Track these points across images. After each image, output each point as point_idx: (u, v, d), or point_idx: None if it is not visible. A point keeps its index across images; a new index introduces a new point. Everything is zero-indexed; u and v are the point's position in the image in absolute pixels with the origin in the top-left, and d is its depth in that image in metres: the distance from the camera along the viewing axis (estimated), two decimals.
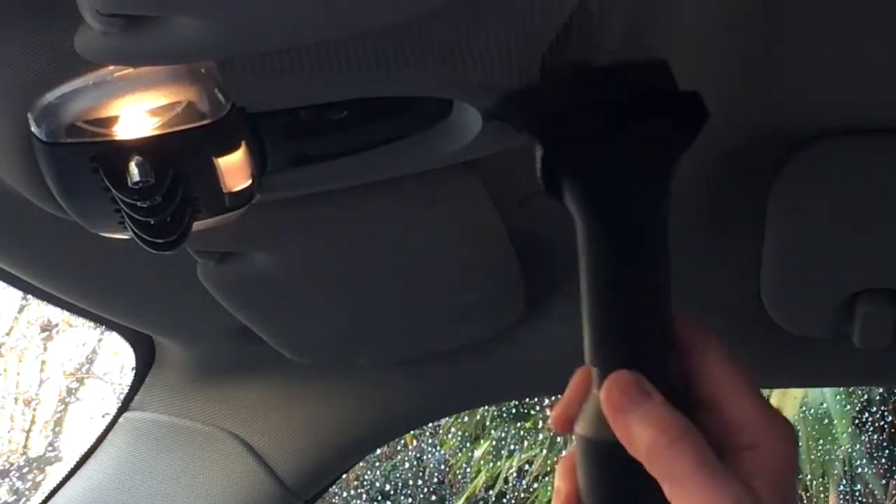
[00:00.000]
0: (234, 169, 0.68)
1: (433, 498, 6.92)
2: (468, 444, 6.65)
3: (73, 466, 1.27)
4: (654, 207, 0.59)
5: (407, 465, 6.95)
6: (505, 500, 6.62)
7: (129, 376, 1.30)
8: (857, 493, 6.29)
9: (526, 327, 1.17)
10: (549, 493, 6.50)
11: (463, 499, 6.38)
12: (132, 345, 1.24)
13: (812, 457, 6.04)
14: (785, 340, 1.13)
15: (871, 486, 6.21)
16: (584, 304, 0.60)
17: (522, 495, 6.62)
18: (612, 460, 0.58)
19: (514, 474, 6.49)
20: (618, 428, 0.57)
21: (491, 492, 6.52)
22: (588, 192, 0.59)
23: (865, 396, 5.93)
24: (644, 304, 0.59)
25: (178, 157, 0.65)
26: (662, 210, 0.59)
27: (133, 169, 0.63)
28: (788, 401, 5.50)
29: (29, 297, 1.17)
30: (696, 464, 0.55)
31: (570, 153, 0.59)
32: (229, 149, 0.67)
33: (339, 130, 0.73)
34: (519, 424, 6.49)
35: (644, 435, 0.56)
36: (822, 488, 6.26)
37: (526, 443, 6.55)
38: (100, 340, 5.95)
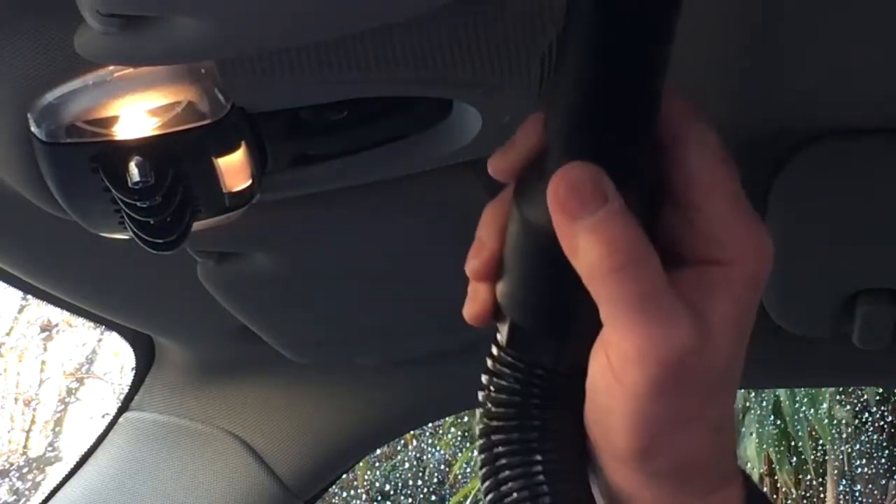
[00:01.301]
0: (234, 169, 0.68)
1: (433, 498, 6.92)
2: (468, 444, 6.65)
3: (73, 466, 1.27)
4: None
5: (407, 465, 6.96)
6: None
7: (129, 376, 1.31)
8: (857, 494, 6.29)
9: None
10: None
11: (459, 494, 6.37)
12: (132, 345, 1.24)
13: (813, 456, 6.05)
14: (785, 340, 1.13)
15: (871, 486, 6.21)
16: (560, 76, 0.49)
17: None
18: (551, 256, 0.49)
19: None
20: (562, 234, 0.48)
21: None
22: None
23: (864, 399, 5.93)
24: (628, 79, 0.48)
25: (178, 157, 0.65)
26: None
27: (133, 169, 0.63)
28: None
29: (29, 297, 1.17)
30: (639, 297, 0.46)
31: None
32: (229, 149, 0.67)
33: (339, 130, 0.73)
34: None
35: (589, 251, 0.47)
36: (821, 487, 6.26)
37: None
38: (100, 340, 5.95)
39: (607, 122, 0.49)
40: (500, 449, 0.52)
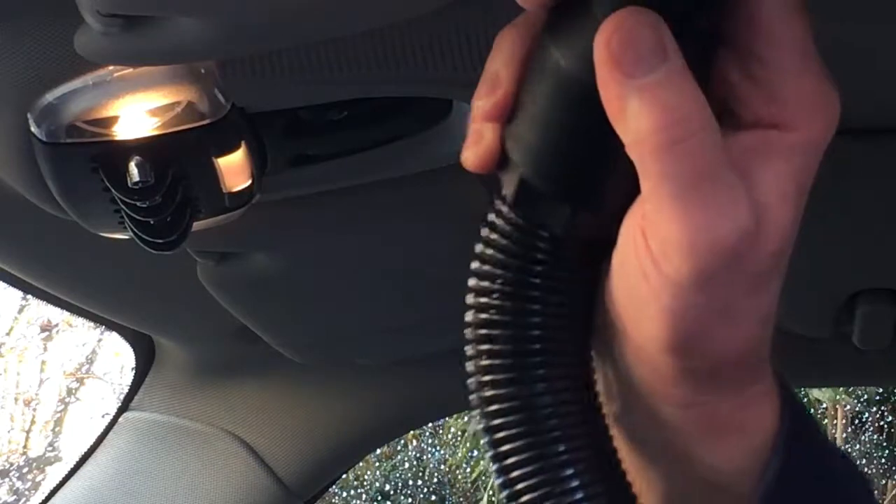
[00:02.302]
0: (234, 169, 0.68)
1: (433, 498, 6.92)
2: (468, 444, 6.65)
3: (73, 466, 1.27)
4: None
5: (407, 465, 6.95)
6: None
7: (129, 376, 1.30)
8: None
9: None
10: None
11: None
12: (132, 345, 1.24)
13: None
14: (785, 340, 1.13)
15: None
16: None
17: None
18: (586, 109, 0.41)
19: None
20: (608, 93, 0.40)
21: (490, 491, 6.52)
22: None
23: (865, 396, 5.93)
24: None
25: (178, 158, 0.65)
26: None
27: (133, 169, 0.63)
28: None
29: (29, 297, 1.17)
30: (697, 177, 0.39)
31: None
32: (229, 149, 0.67)
33: (339, 130, 0.73)
34: None
35: (641, 118, 0.39)
36: None
37: None
38: (100, 340, 5.95)
39: None
40: (492, 331, 0.44)
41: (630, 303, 0.43)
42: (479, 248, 0.46)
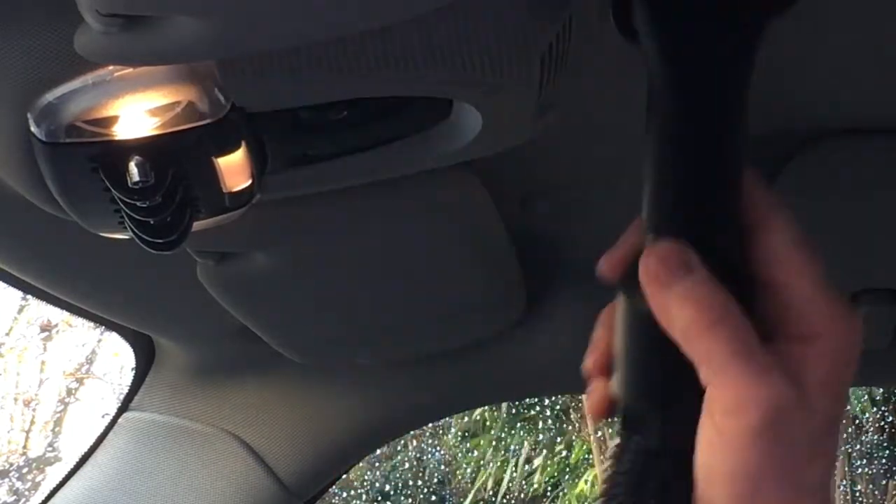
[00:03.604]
0: (234, 169, 0.68)
1: (433, 498, 6.92)
2: (468, 444, 6.66)
3: (72, 467, 1.27)
4: (736, 57, 0.53)
5: (407, 465, 6.96)
6: (505, 501, 6.62)
7: (128, 376, 1.30)
8: (858, 494, 6.29)
9: (526, 327, 1.17)
10: (549, 492, 6.52)
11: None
12: (132, 345, 1.24)
13: None
14: None
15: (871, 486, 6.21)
16: (646, 162, 0.55)
17: (522, 495, 6.62)
18: (650, 331, 0.53)
19: (516, 474, 6.50)
20: (655, 303, 0.52)
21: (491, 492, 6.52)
22: (664, 27, 0.53)
23: (865, 396, 5.93)
24: (707, 166, 0.54)
25: (178, 157, 0.65)
26: (744, 67, 0.53)
27: (133, 169, 0.63)
28: None
29: (29, 297, 1.17)
30: (734, 351, 0.50)
31: None
32: (229, 149, 0.67)
33: (339, 130, 0.73)
34: (519, 424, 6.50)
35: (681, 314, 0.51)
36: None
37: (526, 443, 6.56)
38: (100, 341, 5.95)
39: (688, 205, 0.54)
40: None
41: (705, 475, 0.51)
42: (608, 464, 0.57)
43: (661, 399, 0.54)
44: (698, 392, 0.51)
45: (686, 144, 0.54)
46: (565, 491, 6.42)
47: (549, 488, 6.56)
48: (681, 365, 0.51)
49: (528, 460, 6.51)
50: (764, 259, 0.53)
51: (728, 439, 0.49)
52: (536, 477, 6.48)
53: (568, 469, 6.48)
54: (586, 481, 6.18)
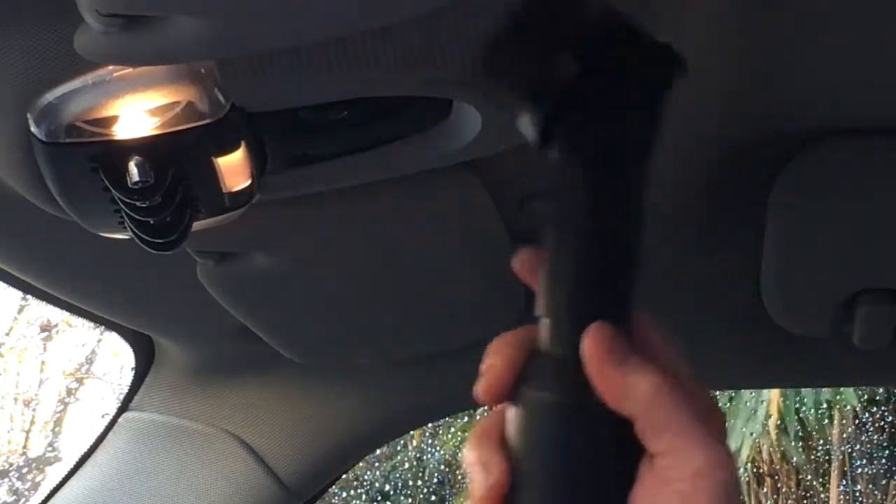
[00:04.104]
0: (233, 169, 0.68)
1: (433, 498, 6.92)
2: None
3: (72, 467, 1.27)
4: (636, 154, 0.56)
5: (407, 465, 6.95)
6: None
7: (128, 376, 1.30)
8: (858, 493, 6.29)
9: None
10: None
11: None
12: (132, 345, 1.24)
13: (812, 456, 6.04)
14: (785, 340, 1.13)
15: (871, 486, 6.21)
16: (552, 256, 0.57)
17: None
18: (585, 423, 0.53)
19: None
20: (609, 381, 0.52)
21: None
22: (575, 139, 0.56)
23: (865, 396, 5.93)
24: (618, 257, 0.56)
25: (178, 157, 0.65)
26: (644, 166, 0.56)
27: (133, 169, 0.63)
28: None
29: (29, 297, 1.17)
30: (695, 416, 0.51)
31: (561, 102, 0.56)
32: (229, 149, 0.67)
33: (339, 130, 0.73)
34: None
35: (645, 384, 0.51)
36: (821, 487, 6.26)
37: None
38: (100, 341, 5.94)
39: (609, 291, 0.55)
40: None
41: None
42: None
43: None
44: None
45: (602, 235, 0.55)
46: None
47: None
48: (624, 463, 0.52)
49: None
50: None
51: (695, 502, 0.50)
52: None
53: None
54: None
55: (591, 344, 0.52)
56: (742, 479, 6.00)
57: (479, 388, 0.57)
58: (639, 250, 0.56)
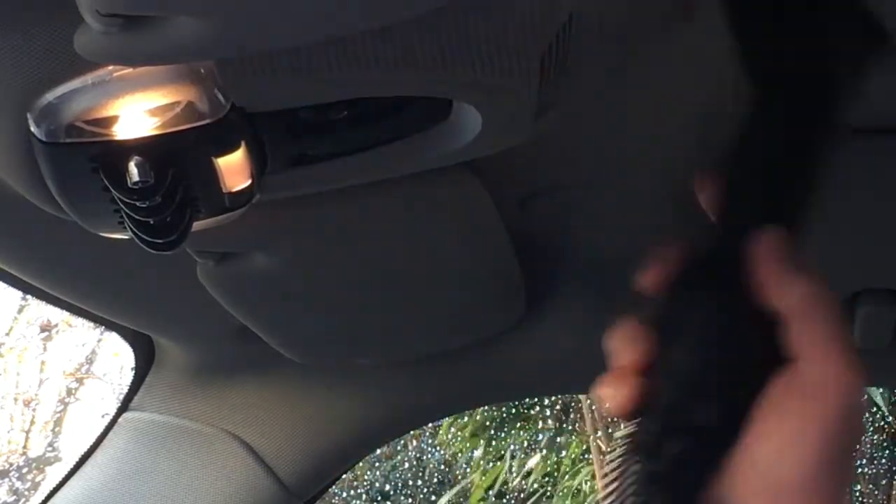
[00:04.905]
0: (233, 169, 0.68)
1: (433, 498, 6.92)
2: (468, 445, 6.66)
3: (72, 467, 1.27)
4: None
5: (407, 465, 6.96)
6: (504, 501, 6.62)
7: (128, 376, 1.30)
8: (858, 494, 6.29)
9: (526, 327, 1.17)
10: (548, 492, 6.52)
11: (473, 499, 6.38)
12: (132, 345, 1.24)
13: None
14: None
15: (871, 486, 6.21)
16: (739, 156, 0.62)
17: (522, 495, 6.62)
18: (735, 317, 0.56)
19: (515, 474, 6.50)
20: (773, 275, 0.56)
21: (490, 491, 6.52)
22: None
23: (865, 396, 5.93)
24: (796, 182, 0.65)
25: (178, 157, 0.65)
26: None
27: (133, 169, 0.63)
28: None
29: (29, 297, 1.17)
30: (839, 333, 0.55)
31: None
32: (229, 149, 0.67)
33: (339, 130, 0.73)
34: (519, 424, 6.50)
35: (800, 285, 0.56)
36: None
37: (525, 443, 6.56)
38: (99, 341, 5.95)
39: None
40: None
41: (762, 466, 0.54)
42: None
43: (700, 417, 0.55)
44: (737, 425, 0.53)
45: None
46: (563, 491, 6.43)
47: (550, 488, 6.57)
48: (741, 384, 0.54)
49: (524, 462, 6.51)
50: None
51: (802, 424, 0.52)
52: (533, 476, 6.48)
53: (565, 468, 6.49)
54: (585, 481, 6.19)
55: (766, 244, 0.57)
56: None
57: (643, 278, 0.59)
58: (815, 176, 0.63)
